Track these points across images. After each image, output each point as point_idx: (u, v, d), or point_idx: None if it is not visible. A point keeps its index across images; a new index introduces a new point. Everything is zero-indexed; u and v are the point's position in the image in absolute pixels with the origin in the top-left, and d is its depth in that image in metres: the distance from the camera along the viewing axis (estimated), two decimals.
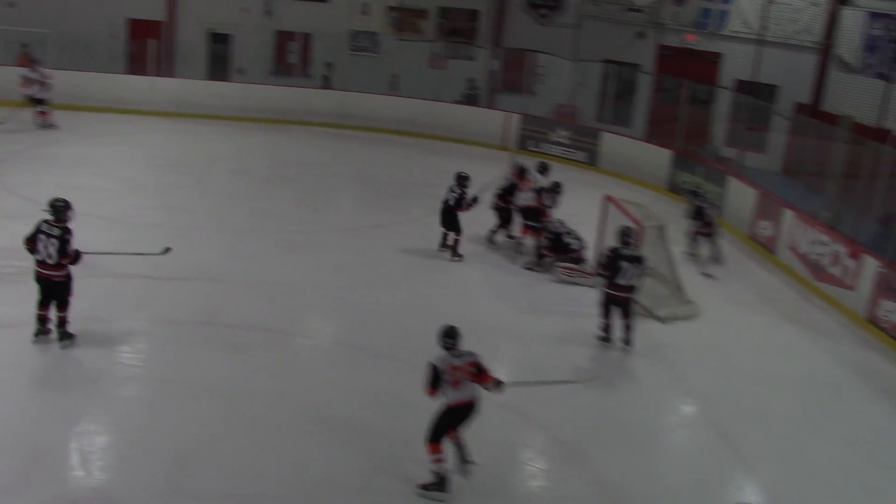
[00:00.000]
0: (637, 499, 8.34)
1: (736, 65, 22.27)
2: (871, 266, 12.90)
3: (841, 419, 10.28)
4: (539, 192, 14.38)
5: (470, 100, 24.20)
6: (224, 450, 8.38)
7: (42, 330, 9.97)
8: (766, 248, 15.78)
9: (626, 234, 11.40)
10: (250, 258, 13.27)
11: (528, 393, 9.91)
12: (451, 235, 14.12)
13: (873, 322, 12.72)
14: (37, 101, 19.60)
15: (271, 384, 9.66)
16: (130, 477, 7.87)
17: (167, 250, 11.82)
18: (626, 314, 11.33)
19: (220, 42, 24.69)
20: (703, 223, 15.09)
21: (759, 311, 13.39)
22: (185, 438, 8.48)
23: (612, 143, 21.09)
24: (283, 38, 24.90)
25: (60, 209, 9.77)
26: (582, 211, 15.30)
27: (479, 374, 7.97)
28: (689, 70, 21.82)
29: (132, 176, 16.94)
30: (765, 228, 15.93)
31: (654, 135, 21.25)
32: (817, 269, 14.20)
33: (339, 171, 19.09)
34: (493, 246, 14.72)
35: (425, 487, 7.97)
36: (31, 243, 9.75)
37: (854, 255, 13.32)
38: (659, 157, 19.97)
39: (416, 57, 24.70)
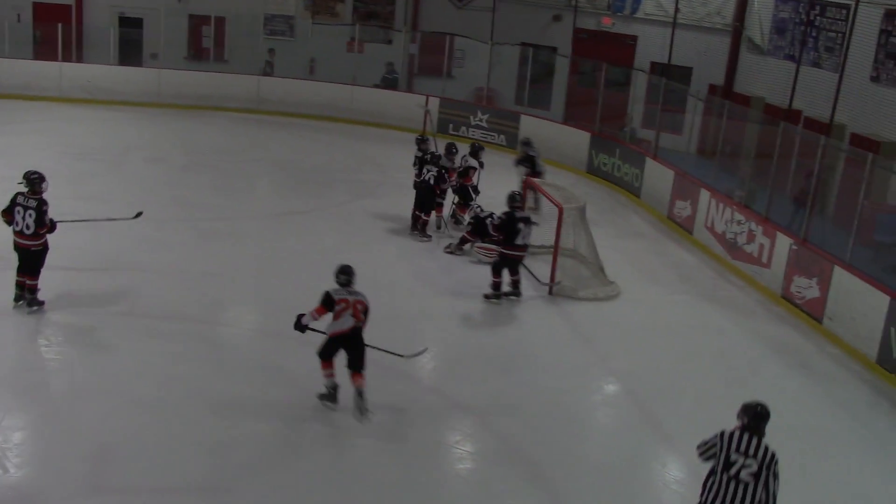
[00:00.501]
0: (563, 478, 8.43)
1: (651, 47, 22.60)
2: (784, 244, 13.23)
3: (759, 394, 10.36)
4: (465, 172, 14.66)
5: (389, 84, 24.11)
6: (147, 442, 8.25)
7: (21, 295, 10.48)
8: (683, 227, 16.06)
9: (514, 199, 12.30)
10: (168, 247, 13.07)
11: (450, 375, 10.07)
12: (422, 216, 14.40)
13: (787, 298, 13.05)
14: None
15: (193, 373, 9.53)
16: (50, 473, 7.69)
17: (139, 214, 12.07)
18: (516, 271, 12.21)
19: (131, 26, 24.13)
20: (534, 172, 15.75)
21: (678, 290, 13.65)
22: (107, 431, 8.32)
23: (531, 126, 21.21)
24: (198, 22, 24.42)
25: (35, 181, 10.33)
26: (502, 194, 15.36)
27: (365, 317, 8.91)
28: (606, 53, 22.06)
29: (43, 165, 16.10)
30: (682, 208, 16.21)
31: (573, 117, 21.42)
32: (733, 248, 14.52)
33: (257, 158, 18.87)
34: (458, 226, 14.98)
35: (320, 397, 9.07)
36: (8, 215, 10.32)
37: (768, 234, 13.65)
38: (577, 140, 20.16)
39: (333, 41, 24.49)
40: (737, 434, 6.59)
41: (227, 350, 10.35)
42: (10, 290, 10.56)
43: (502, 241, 12.16)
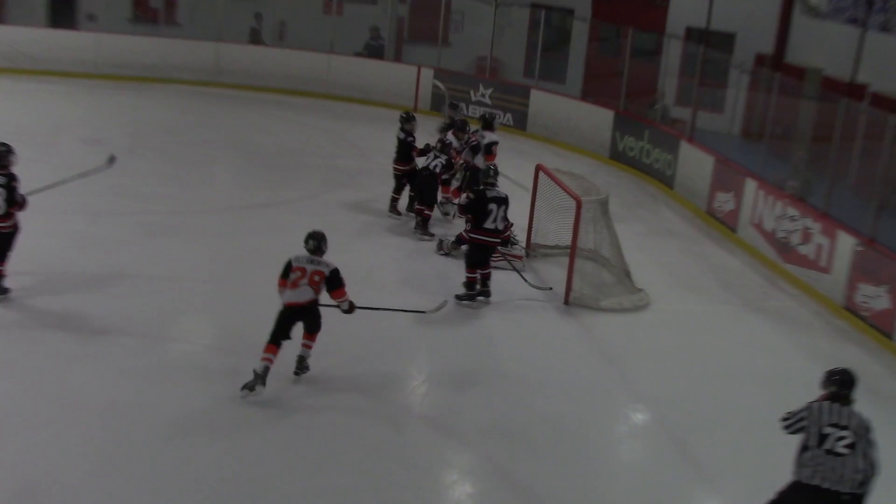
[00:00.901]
0: None
1: (686, 10, 22.56)
2: (847, 244, 13.19)
3: None
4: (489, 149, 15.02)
5: (373, 52, 24.06)
6: (78, 477, 8.15)
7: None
8: (725, 224, 16.04)
9: (488, 174, 12.42)
10: (108, 246, 13.00)
11: (446, 402, 9.99)
12: (425, 210, 14.51)
13: (851, 310, 13.02)
14: None
15: (138, 398, 9.44)
16: None
17: (112, 159, 12.83)
18: (487, 263, 12.36)
19: None
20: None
21: (718, 299, 13.61)
22: (32, 467, 8.23)
23: (543, 103, 21.20)
24: None
25: (3, 154, 10.75)
26: (508, 183, 15.33)
27: (333, 288, 9.69)
28: (632, 16, 22.05)
29: None
30: (723, 202, 16.18)
31: (592, 93, 21.42)
32: (785, 249, 14.48)
33: (214, 139, 18.82)
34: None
35: (244, 387, 9.47)
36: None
37: (827, 232, 13.61)
38: (598, 119, 20.15)
39: (308, 2, 24.49)
40: (826, 406, 7.39)
41: (177, 371, 10.25)
42: None
43: (471, 224, 12.28)
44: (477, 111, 21.74)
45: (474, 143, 15.16)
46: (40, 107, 19.96)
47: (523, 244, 14.04)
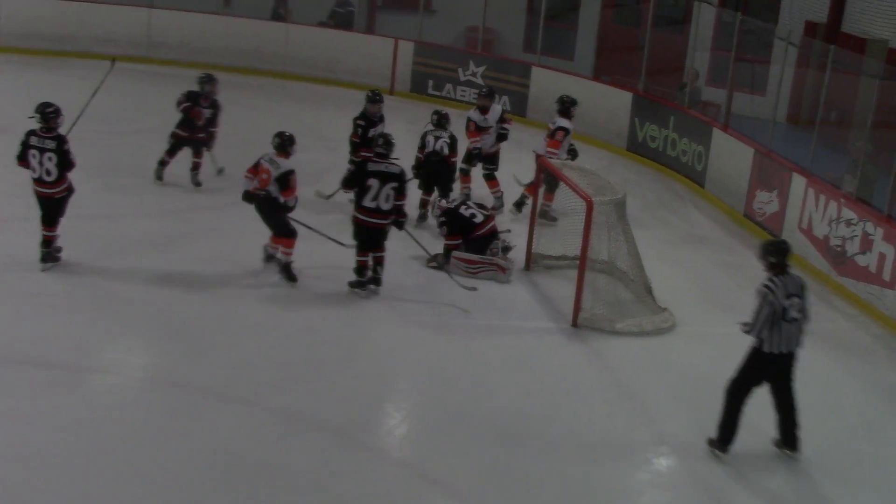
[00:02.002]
0: None
1: None
2: None
3: (877, 469, 10.59)
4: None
5: (340, 21, 24.18)
6: None
7: (50, 254, 12.72)
8: (766, 229, 16.16)
9: (377, 142, 13.02)
10: (13, 259, 13.07)
11: (429, 445, 10.10)
12: (436, 198, 14.96)
13: None
14: None
15: (57, 445, 9.49)
16: None
17: (113, 61, 15.04)
18: (378, 245, 13.00)
19: None
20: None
21: None
22: None
23: (547, 83, 21.30)
24: None
25: (51, 116, 12.46)
26: (506, 178, 15.48)
27: (282, 188, 12.69)
28: None
29: None
30: (765, 202, 16.30)
31: (607, 70, 21.56)
32: (840, 259, 14.62)
33: (148, 128, 18.81)
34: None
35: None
36: (24, 162, 12.54)
37: (891, 239, 13.76)
38: (613, 102, 20.27)
39: None
40: (779, 283, 9.86)
41: (107, 408, 10.32)
42: None
43: (355, 200, 12.91)
44: (466, 93, 21.88)
45: (504, 130, 15.83)
46: None
47: (519, 254, 14.17)
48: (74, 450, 9.44)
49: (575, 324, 12.73)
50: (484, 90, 16.82)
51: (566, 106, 16.03)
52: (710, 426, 10.82)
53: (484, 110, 16.03)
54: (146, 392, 10.74)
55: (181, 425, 9.96)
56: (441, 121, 15.30)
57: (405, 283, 13.58)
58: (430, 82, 22.37)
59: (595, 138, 20.34)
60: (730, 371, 12.15)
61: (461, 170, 15.95)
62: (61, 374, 10.66)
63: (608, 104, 20.41)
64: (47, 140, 12.41)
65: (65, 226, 13.75)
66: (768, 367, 10.09)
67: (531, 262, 14.25)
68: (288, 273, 13.09)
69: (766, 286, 9.83)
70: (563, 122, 15.82)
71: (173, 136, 16.04)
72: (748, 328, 10.03)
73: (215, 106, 16.21)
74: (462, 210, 14.22)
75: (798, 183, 15.58)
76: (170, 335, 11.74)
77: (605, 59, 22.26)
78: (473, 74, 22.08)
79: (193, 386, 10.50)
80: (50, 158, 12.38)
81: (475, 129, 15.75)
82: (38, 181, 12.50)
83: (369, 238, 12.86)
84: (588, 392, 11.52)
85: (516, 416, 10.82)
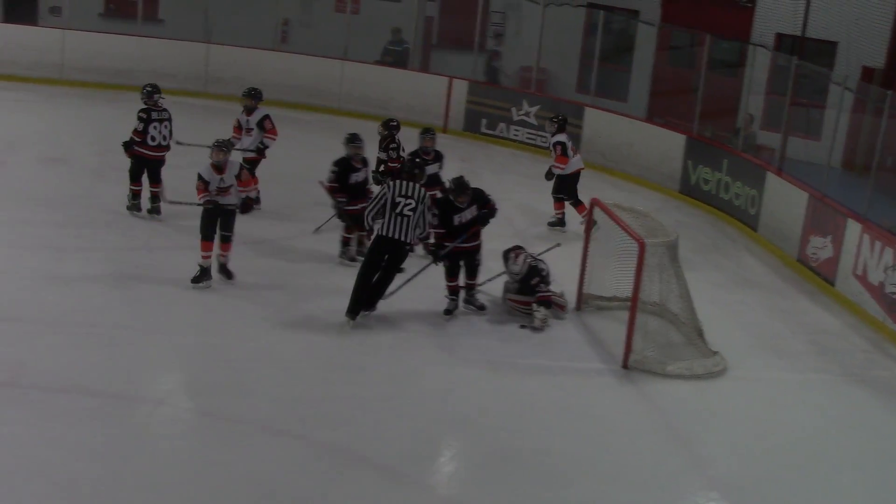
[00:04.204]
0: None
1: (777, 13, 22.64)
2: None
3: None
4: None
5: (395, 58, 24.28)
6: None
7: (136, 204, 15.95)
8: (821, 275, 16.02)
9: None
10: (67, 288, 13.16)
11: (476, 485, 10.05)
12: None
13: None
14: None
15: (104, 474, 9.51)
16: None
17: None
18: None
19: None
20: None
21: (811, 367, 13.58)
22: None
23: (601, 124, 21.30)
24: None
25: (154, 91, 15.94)
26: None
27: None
28: (711, 20, 22.15)
29: None
30: (819, 248, 16.17)
31: (660, 112, 21.49)
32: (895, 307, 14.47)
33: (202, 162, 18.88)
34: None
35: (193, 280, 13.45)
36: (143, 135, 15.67)
37: None
38: (667, 145, 20.21)
39: None
40: (399, 183, 13.02)
41: (151, 439, 10.35)
42: None
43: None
44: (520, 133, 21.88)
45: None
46: None
47: (570, 294, 14.11)
48: (119, 480, 9.44)
49: (625, 365, 12.63)
50: (251, 90, 17.21)
51: (561, 124, 17.40)
52: (760, 471, 10.75)
53: (249, 111, 16.86)
54: (192, 424, 10.75)
55: (225, 458, 9.93)
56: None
57: (453, 320, 13.54)
58: (484, 121, 22.40)
59: (647, 180, 20.29)
60: (782, 417, 12.11)
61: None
62: (110, 404, 10.67)
63: (661, 146, 20.36)
64: (163, 112, 15.97)
65: (116, 256, 13.88)
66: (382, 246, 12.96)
67: (582, 302, 14.18)
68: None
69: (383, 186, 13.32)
70: (560, 137, 17.23)
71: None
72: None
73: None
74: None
75: (853, 229, 15.44)
76: (218, 368, 11.76)
77: (659, 100, 22.17)
78: (527, 114, 22.09)
79: (239, 419, 10.49)
80: (166, 127, 15.93)
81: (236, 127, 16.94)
82: (157, 147, 15.79)
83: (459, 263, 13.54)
84: (637, 435, 11.40)
85: (564, 457, 10.73)
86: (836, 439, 11.78)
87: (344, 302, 12.94)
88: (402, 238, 13.02)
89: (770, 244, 17.50)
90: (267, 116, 16.70)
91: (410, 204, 12.97)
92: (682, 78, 21.29)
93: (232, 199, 13.60)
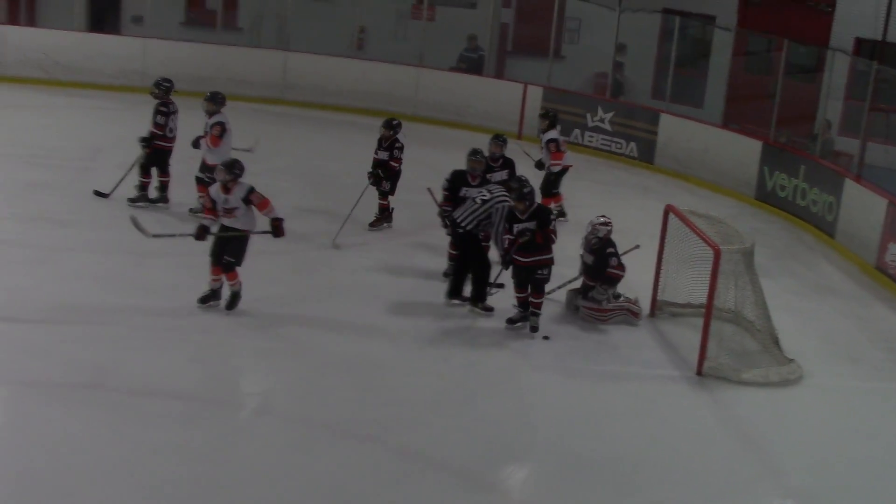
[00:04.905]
0: None
1: (856, 17, 22.38)
2: None
3: None
4: None
5: (470, 65, 24.32)
6: None
7: (144, 196, 16.41)
8: None
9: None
10: (152, 291, 13.33)
11: (551, 491, 10.04)
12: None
13: None
14: None
15: (195, 477, 9.62)
16: None
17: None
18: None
19: None
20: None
21: (889, 375, 13.42)
22: None
23: (676, 130, 21.21)
24: None
25: (172, 88, 16.78)
26: (633, 226, 15.39)
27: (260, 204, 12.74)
28: (788, 25, 21.98)
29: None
30: None
31: (736, 118, 21.38)
32: None
33: (279, 167, 19.07)
34: None
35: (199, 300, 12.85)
36: (163, 128, 16.37)
37: None
38: (743, 151, 20.08)
39: (392, 4, 24.84)
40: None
41: (233, 442, 10.47)
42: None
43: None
44: (594, 139, 21.84)
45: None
46: (76, 125, 20.45)
47: (645, 300, 14.09)
48: (203, 480, 9.56)
49: (699, 372, 12.57)
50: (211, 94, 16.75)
51: (552, 120, 17.48)
52: (836, 480, 10.67)
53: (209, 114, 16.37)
54: (271, 427, 10.83)
55: (303, 461, 10.00)
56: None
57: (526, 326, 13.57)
58: (558, 127, 22.34)
59: (723, 186, 20.17)
60: (858, 426, 12.00)
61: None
62: (192, 407, 10.80)
63: (737, 152, 20.23)
64: (174, 105, 16.59)
65: (187, 260, 14.04)
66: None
67: (656, 309, 14.15)
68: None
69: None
70: (552, 134, 17.24)
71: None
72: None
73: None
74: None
75: None
76: (300, 372, 11.89)
77: (735, 106, 22.04)
78: (601, 120, 22.03)
79: (317, 422, 10.59)
80: (176, 119, 16.62)
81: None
82: (173, 138, 16.48)
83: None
84: (711, 442, 11.36)
85: (637, 462, 10.70)
86: None
87: (422, 314, 13.07)
88: (476, 233, 13.61)
89: (848, 251, 17.31)
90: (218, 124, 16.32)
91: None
92: (759, 84, 21.13)
93: (237, 222, 12.74)
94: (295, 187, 18.30)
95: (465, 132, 22.43)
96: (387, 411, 11.09)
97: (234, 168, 12.80)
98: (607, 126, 21.95)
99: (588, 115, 22.17)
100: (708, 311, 12.61)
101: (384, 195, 16.41)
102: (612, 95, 22.94)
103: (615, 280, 13.79)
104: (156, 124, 16.29)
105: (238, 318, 12.91)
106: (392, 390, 11.59)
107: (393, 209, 16.38)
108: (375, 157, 16.40)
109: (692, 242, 13.34)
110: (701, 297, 12.96)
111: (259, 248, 13.36)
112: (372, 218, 16.36)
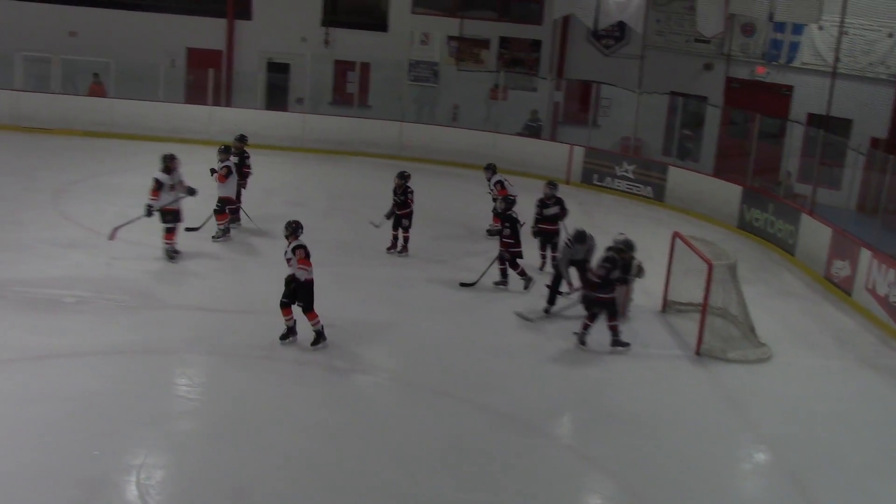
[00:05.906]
0: None
1: (808, 98, 22.02)
2: None
3: None
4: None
5: (532, 132, 24.26)
6: (282, 485, 8.44)
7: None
8: (842, 289, 15.52)
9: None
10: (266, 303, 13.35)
11: (589, 435, 9.96)
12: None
13: None
14: None
15: (332, 420, 9.71)
16: None
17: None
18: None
19: (278, 71, 25.09)
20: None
21: (835, 356, 13.18)
22: (243, 473, 8.57)
23: (680, 178, 20.99)
24: (342, 68, 25.23)
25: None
26: (649, 246, 15.21)
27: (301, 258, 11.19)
28: (759, 103, 21.67)
29: (190, 206, 17.19)
30: (840, 268, 15.69)
31: (723, 170, 21.11)
32: None
33: (382, 206, 19.10)
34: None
35: (281, 337, 11.37)
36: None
37: None
38: (728, 193, 19.80)
39: (477, 87, 24.87)
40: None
41: (365, 399, 10.57)
42: (149, 327, 11.28)
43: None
44: (621, 184, 21.64)
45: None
46: (256, 174, 20.48)
47: (657, 299, 13.92)
48: (345, 424, 9.63)
49: (697, 352, 12.41)
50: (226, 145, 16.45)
51: (494, 168, 16.78)
52: (799, 430, 10.52)
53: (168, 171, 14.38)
54: (387, 388, 10.91)
55: (415, 414, 10.08)
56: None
57: (574, 317, 13.45)
58: (595, 176, 22.18)
59: (714, 218, 19.86)
60: (813, 391, 11.81)
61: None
62: (335, 373, 10.93)
63: (724, 194, 19.92)
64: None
65: (332, 270, 14.05)
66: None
67: (666, 306, 13.97)
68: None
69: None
70: (498, 177, 16.50)
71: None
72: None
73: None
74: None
75: (865, 255, 14.93)
76: (412, 345, 11.98)
77: (722, 161, 21.75)
78: (626, 171, 21.79)
79: (422, 386, 10.61)
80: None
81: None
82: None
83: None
84: (706, 403, 11.28)
85: (651, 416, 10.65)
86: (855, 408, 11.48)
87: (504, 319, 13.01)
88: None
89: (804, 266, 16.98)
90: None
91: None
92: (739, 145, 20.79)
93: (292, 271, 11.32)
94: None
95: (529, 179, 22.31)
96: (474, 378, 11.12)
97: (292, 227, 11.52)
98: (630, 175, 21.71)
99: (616, 167, 21.97)
100: (703, 308, 12.48)
101: (406, 229, 15.67)
102: (633, 153, 22.70)
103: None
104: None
105: (367, 313, 12.92)
106: (477, 362, 11.60)
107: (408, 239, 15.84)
108: (394, 202, 15.61)
109: (692, 258, 13.17)
110: (699, 298, 12.78)
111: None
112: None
